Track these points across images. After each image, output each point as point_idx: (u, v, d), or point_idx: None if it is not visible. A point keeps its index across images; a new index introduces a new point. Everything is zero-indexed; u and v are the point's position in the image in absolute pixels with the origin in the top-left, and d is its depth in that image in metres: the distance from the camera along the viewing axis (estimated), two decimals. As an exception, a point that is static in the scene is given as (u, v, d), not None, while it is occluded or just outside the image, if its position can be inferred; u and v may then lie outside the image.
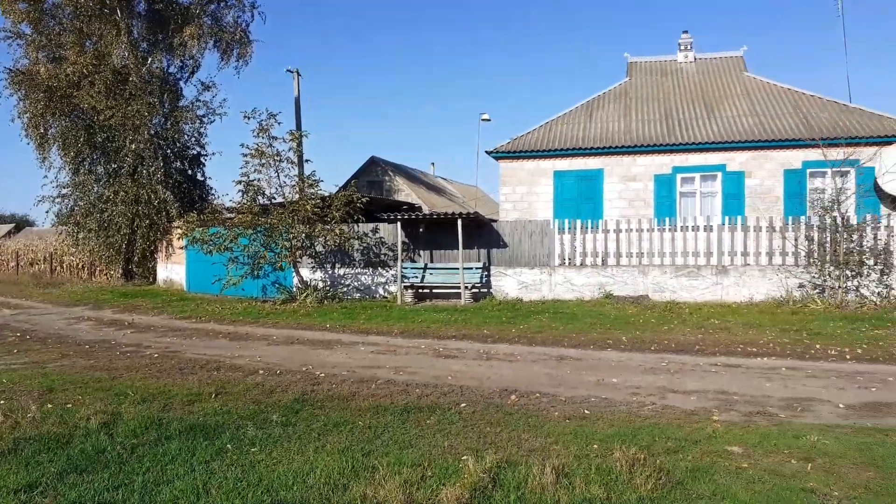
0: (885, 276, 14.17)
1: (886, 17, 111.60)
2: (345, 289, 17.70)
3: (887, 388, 7.32)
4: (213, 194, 24.44)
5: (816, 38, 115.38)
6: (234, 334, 12.12)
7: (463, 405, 6.61)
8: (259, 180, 16.93)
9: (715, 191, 17.84)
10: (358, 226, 17.58)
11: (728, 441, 5.37)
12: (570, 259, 16.39)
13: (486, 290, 16.69)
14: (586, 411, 6.40)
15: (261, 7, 24.10)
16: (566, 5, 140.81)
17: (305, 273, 17.77)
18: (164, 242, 22.32)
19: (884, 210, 16.09)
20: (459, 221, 15.81)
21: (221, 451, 5.13)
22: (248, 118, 16.98)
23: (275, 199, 17.12)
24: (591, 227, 16.34)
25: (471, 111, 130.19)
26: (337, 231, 16.32)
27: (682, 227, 15.86)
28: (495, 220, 17.91)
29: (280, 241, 16.49)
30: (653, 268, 15.88)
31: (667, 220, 16.12)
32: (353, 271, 17.79)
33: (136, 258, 22.88)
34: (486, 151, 19.46)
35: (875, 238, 14.37)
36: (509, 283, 16.66)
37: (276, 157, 16.91)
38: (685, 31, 22.89)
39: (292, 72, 25.85)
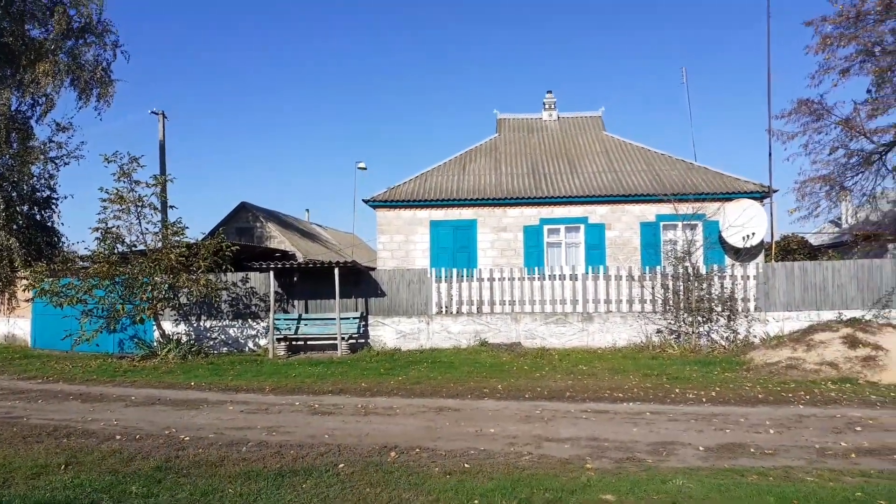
0: (731, 322, 15.49)
1: (723, 87, 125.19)
2: (212, 343, 16.78)
3: (739, 428, 7.92)
4: (65, 242, 22.53)
5: (665, 101, 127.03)
6: (86, 395, 11.07)
7: (341, 465, 6.39)
8: (118, 227, 15.85)
9: (579, 241, 18.85)
10: (226, 275, 16.83)
11: (602, 489, 5.55)
12: (447, 307, 16.59)
13: (363, 340, 16.45)
14: (466, 465, 6.39)
15: (124, 46, 22.76)
16: (440, 58, 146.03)
17: (168, 326, 16.70)
18: (7, 294, 20.18)
19: (728, 260, 17.69)
20: (336, 270, 15.58)
21: (70, 533, 4.61)
22: (109, 161, 15.95)
23: (136, 247, 16.06)
24: (467, 276, 16.69)
25: (346, 158, 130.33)
26: (203, 281, 15.53)
27: (549, 275, 16.57)
28: (373, 269, 17.83)
29: (140, 292, 15.42)
30: (524, 315, 16.40)
31: (536, 269, 16.79)
32: (221, 324, 16.93)
33: (-28, 312, 20.44)
34: (363, 200, 19.47)
35: (722, 286, 15.73)
36: (387, 333, 16.54)
37: (137, 203, 15.94)
38: (549, 91, 24.38)
39: (157, 114, 24.72)
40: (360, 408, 9.53)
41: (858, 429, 7.83)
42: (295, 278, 16.78)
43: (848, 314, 14.86)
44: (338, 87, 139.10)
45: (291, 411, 9.41)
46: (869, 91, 18.05)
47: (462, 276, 16.69)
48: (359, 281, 16.64)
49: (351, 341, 15.93)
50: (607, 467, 6.30)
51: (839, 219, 29.01)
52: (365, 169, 30.79)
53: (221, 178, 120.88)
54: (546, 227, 18.96)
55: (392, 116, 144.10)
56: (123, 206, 15.75)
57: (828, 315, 15.30)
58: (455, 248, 19.04)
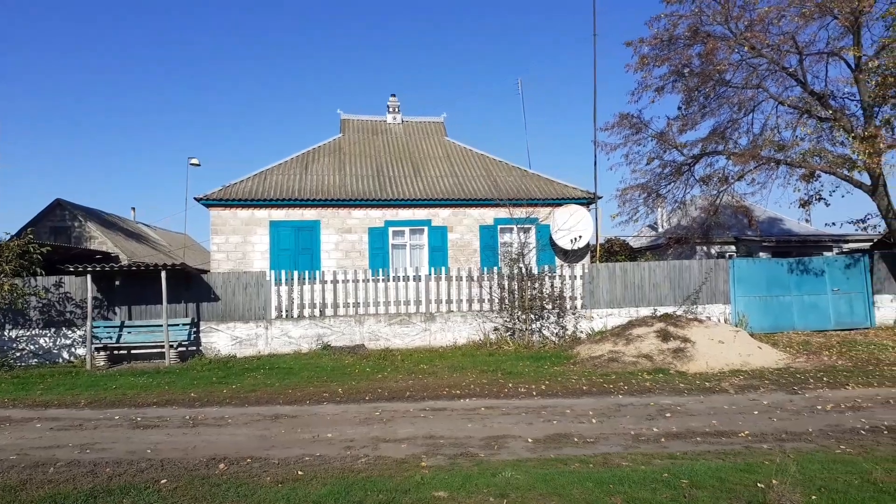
0: (560, 319, 16.48)
1: (555, 99, 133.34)
2: (18, 354, 15.01)
3: (565, 419, 8.41)
4: None
5: (503, 110, 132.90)
6: None
7: (163, 481, 5.97)
8: None
9: (423, 243, 19.14)
10: (37, 279, 15.14)
11: (435, 486, 5.63)
12: (287, 311, 16.10)
13: (195, 347, 15.51)
14: (300, 472, 6.21)
15: None
16: (281, 55, 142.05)
17: (-37, 337, 14.74)
18: None
19: (558, 262, 18.79)
20: (164, 273, 14.57)
21: None
22: None
23: (-79, 248, 14.02)
24: (309, 278, 16.31)
25: (179, 154, 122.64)
26: (8, 286, 13.88)
27: (394, 277, 16.66)
28: (206, 272, 16.90)
29: (-74, 299, 13.47)
30: (368, 317, 16.34)
31: (381, 270, 16.81)
32: (29, 333, 15.19)
33: None
34: (196, 198, 18.37)
35: (552, 286, 16.68)
36: (222, 339, 15.73)
37: (-77, 198, 13.94)
38: (393, 95, 24.57)
39: (-48, 97, 21.72)
40: (189, 419, 8.97)
41: (668, 415, 8.60)
42: (117, 282, 15.46)
43: (662, 310, 16.36)
44: (169, 76, 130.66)
45: (110, 426, 8.64)
46: (680, 108, 19.91)
47: (304, 279, 16.29)
48: (190, 285, 15.68)
49: (181, 349, 14.97)
50: (441, 464, 6.41)
51: (655, 223, 31.89)
52: (198, 165, 29.06)
53: (34, 173, 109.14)
54: (391, 229, 19.05)
55: (229, 111, 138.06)
56: None
57: (645, 311, 16.74)
58: (297, 250, 18.55)
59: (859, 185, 17.65)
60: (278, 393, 10.84)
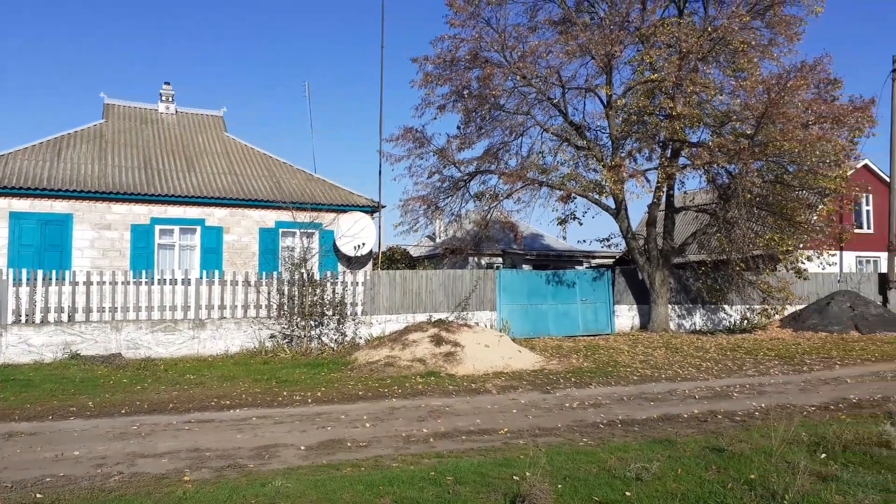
0: (340, 325, 16.51)
1: (344, 105, 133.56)
2: None
3: (340, 425, 8.41)
4: None
5: (288, 113, 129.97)
6: None
7: None
8: None
9: (194, 244, 17.94)
10: None
11: (199, 501, 5.30)
12: (28, 315, 14.12)
13: None
14: (39, 495, 5.47)
15: None
16: (33, 27, 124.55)
17: None
18: None
19: (341, 268, 18.78)
20: None
21: None
22: None
23: None
24: (57, 279, 14.47)
25: None
26: None
27: (159, 280, 15.43)
28: (-80, 269, 14.23)
29: None
30: (127, 323, 14.92)
31: (144, 272, 15.45)
32: None
33: None
34: (-90, 181, 15.39)
35: (334, 292, 16.64)
36: (-62, 348, 13.32)
37: None
38: (167, 83, 22.73)
39: None
40: None
41: (437, 416, 9.00)
42: None
43: (437, 316, 17.14)
44: None
45: None
46: (459, 127, 21.14)
47: (51, 279, 14.41)
48: None
49: None
50: (206, 477, 6.05)
51: (434, 234, 33.38)
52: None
53: None
54: (158, 228, 17.58)
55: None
56: None
57: (421, 317, 17.40)
58: (43, 246, 16.32)
59: (606, 209, 20.16)
60: (13, 408, 9.43)
